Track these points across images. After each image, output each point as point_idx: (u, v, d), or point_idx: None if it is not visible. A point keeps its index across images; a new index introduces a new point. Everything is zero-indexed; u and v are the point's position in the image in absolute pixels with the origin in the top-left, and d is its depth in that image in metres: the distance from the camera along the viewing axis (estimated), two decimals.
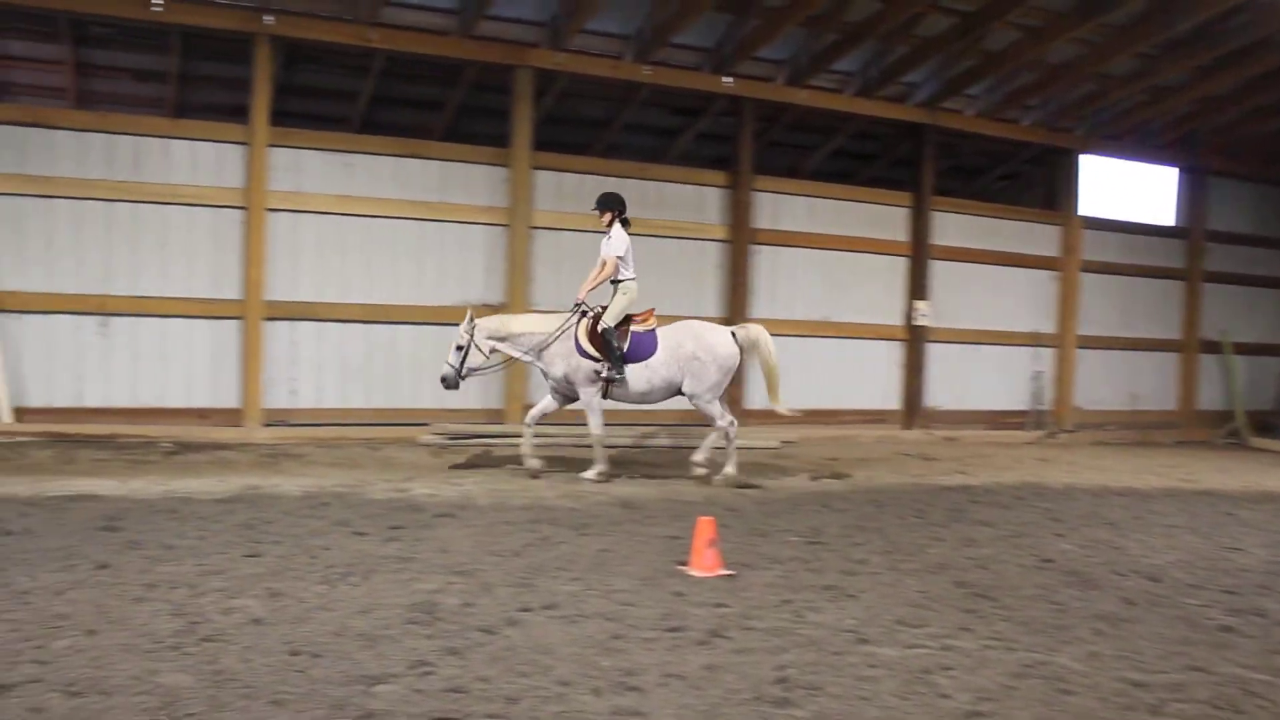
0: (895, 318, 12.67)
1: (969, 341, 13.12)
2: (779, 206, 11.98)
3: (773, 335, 11.42)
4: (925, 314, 12.60)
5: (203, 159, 9.90)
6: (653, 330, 8.17)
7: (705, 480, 8.21)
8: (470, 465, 8.94)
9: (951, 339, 12.94)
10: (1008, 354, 13.39)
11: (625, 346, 8.01)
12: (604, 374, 7.97)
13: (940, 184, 12.97)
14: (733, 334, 8.37)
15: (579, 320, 8.10)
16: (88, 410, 9.60)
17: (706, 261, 11.69)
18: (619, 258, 8.03)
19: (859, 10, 10.59)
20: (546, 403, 8.43)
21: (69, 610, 4.09)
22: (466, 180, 10.63)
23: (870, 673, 3.79)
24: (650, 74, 10.95)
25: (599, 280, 8.16)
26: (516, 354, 8.30)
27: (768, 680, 3.66)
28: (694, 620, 4.33)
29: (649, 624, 4.25)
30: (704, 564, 5.16)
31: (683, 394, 8.25)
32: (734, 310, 11.53)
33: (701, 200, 11.64)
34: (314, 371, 10.25)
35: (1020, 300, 13.45)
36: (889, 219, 12.57)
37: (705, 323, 8.72)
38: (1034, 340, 13.52)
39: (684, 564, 5.29)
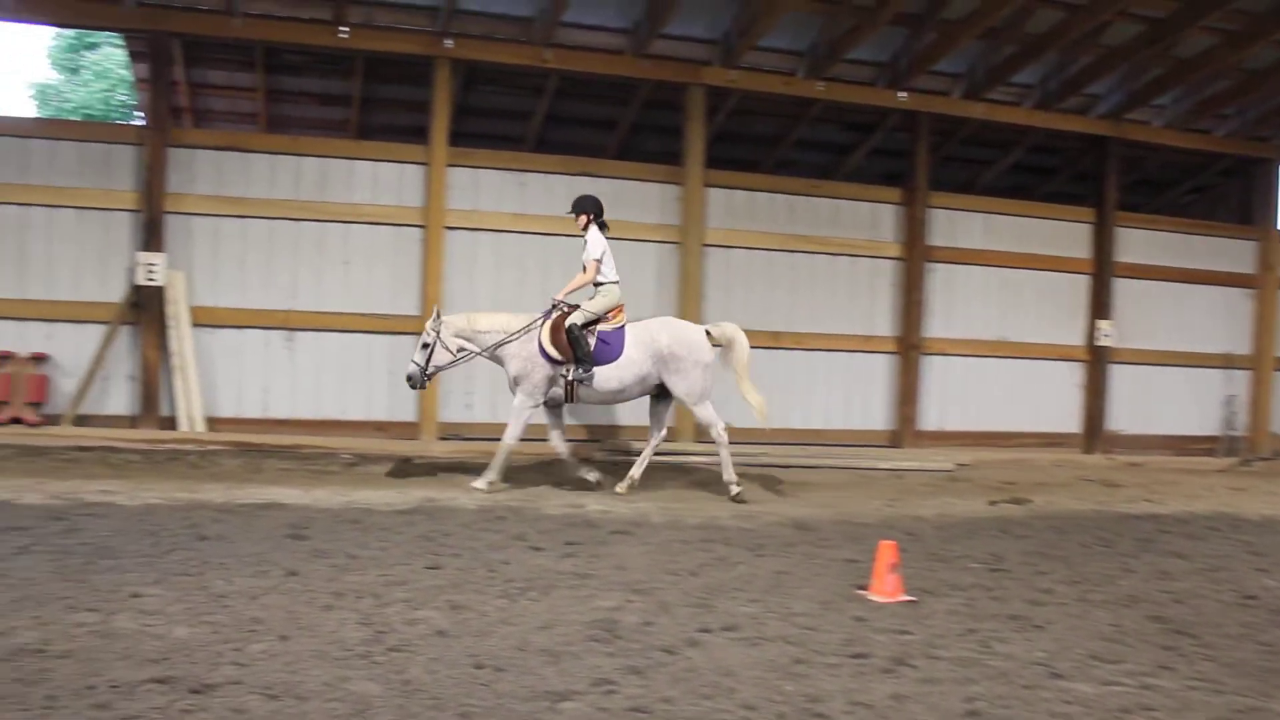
0: (1076, 337, 12.29)
1: (1155, 363, 12.63)
2: (955, 223, 11.81)
3: (948, 355, 11.42)
4: (1108, 334, 12.20)
5: (384, 179, 10.34)
6: (620, 328, 8.10)
7: (739, 498, 8.10)
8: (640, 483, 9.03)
9: (1136, 360, 12.49)
10: (1197, 376, 12.83)
11: (592, 345, 7.93)
12: (569, 376, 7.92)
13: (1125, 198, 12.59)
14: (707, 332, 8.29)
15: (544, 322, 8.06)
16: (274, 421, 10.09)
17: (880, 280, 11.58)
18: (597, 260, 8.03)
19: (1041, 21, 10.42)
20: (550, 419, 8.44)
21: (263, 615, 4.24)
22: (639, 198, 10.80)
23: (1066, 709, 3.61)
24: (823, 90, 10.98)
25: (580, 285, 8.16)
26: (480, 353, 8.24)
27: (958, 713, 3.52)
28: (877, 647, 4.22)
29: (831, 649, 4.16)
30: (885, 589, 5.06)
31: (667, 393, 8.18)
32: (908, 329, 11.41)
33: (875, 217, 11.56)
34: (488, 387, 10.49)
35: (1212, 319, 12.89)
36: (1070, 235, 12.24)
37: (677, 319, 8.69)
38: (1227, 362, 12.92)
39: (864, 588, 5.20)
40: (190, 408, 9.93)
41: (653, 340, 8.04)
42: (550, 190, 10.63)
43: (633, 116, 11.74)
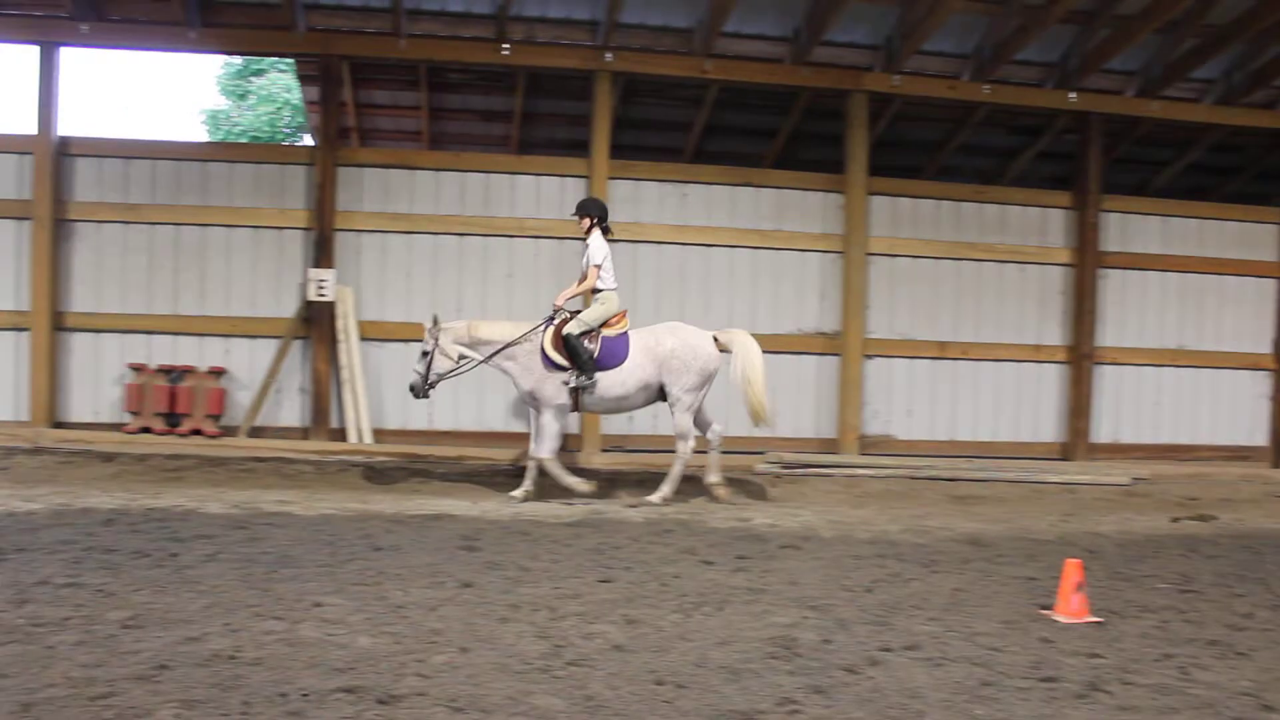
0: (1263, 345, 11.77)
1: None
2: (1128, 227, 11.47)
3: (1122, 365, 11.07)
4: None
5: (546, 193, 10.55)
6: (624, 334, 8.10)
7: (728, 499, 8.24)
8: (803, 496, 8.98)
9: None
10: None
11: (595, 351, 7.94)
12: (572, 383, 7.93)
13: None
14: (714, 338, 8.22)
15: (546, 328, 8.07)
16: (438, 433, 10.34)
17: (1050, 287, 11.31)
18: (597, 266, 8.04)
19: (1224, 11, 10.10)
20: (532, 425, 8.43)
21: (441, 626, 4.30)
22: (800, 207, 10.79)
23: None
24: (990, 93, 10.82)
25: (579, 291, 8.21)
26: (482, 360, 8.29)
27: None
28: (1068, 671, 4.05)
29: (1019, 672, 4.02)
30: (1070, 609, 4.88)
31: (664, 399, 8.16)
32: (1079, 337, 11.11)
33: (1044, 222, 11.30)
34: None
35: None
36: (1256, 238, 11.74)
37: (688, 325, 8.57)
38: None
39: (1047, 608, 5.03)
40: (359, 420, 10.25)
41: (657, 344, 8.07)
42: (711, 201, 10.72)
43: (792, 125, 11.76)
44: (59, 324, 10.21)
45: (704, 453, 8.59)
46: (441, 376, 8.34)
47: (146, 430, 10.17)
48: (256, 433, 10.19)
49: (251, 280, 10.34)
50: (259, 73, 22.52)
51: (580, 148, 10.75)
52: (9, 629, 4.12)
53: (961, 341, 10.97)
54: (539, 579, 5.21)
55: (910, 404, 10.91)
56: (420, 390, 8.30)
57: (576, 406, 8.16)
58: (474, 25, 10.36)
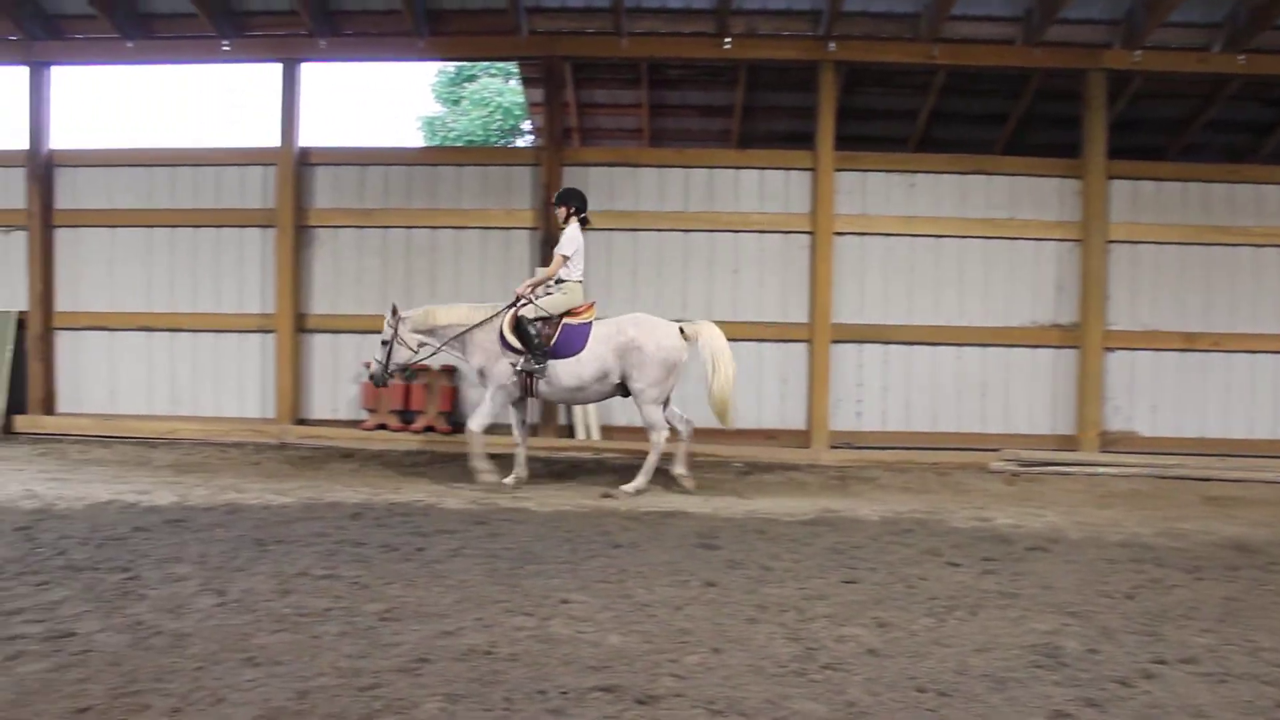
0: None
1: None
2: None
3: None
4: None
5: (771, 187, 10.72)
6: (588, 323, 8.06)
7: (694, 489, 8.18)
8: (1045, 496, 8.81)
9: None
10: None
11: (554, 339, 7.97)
12: (519, 367, 7.98)
13: None
14: (680, 329, 8.09)
15: (506, 312, 8.11)
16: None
17: None
18: (565, 256, 8.08)
19: None
20: (515, 416, 8.53)
21: (690, 626, 4.36)
22: (1034, 194, 10.65)
23: None
24: (1244, 64, 10.45)
25: (545, 278, 8.22)
26: (440, 346, 8.39)
27: None
28: None
29: None
30: None
31: (627, 393, 8.15)
32: None
33: None
34: (879, 394, 10.62)
35: None
36: None
37: (653, 316, 8.37)
38: None
39: None
40: (587, 417, 10.63)
41: (618, 333, 8.01)
42: (940, 191, 10.69)
43: (1022, 109, 11.63)
44: (301, 326, 10.96)
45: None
46: (401, 365, 8.54)
47: (382, 427, 10.79)
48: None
49: (480, 280, 10.86)
50: (471, 78, 23.71)
51: (801, 140, 10.89)
52: (278, 618, 4.42)
53: (1213, 333, 10.62)
54: (783, 579, 5.26)
55: (1155, 399, 10.63)
56: (381, 379, 8.51)
57: (533, 393, 8.24)
58: (694, 21, 10.62)
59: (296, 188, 10.90)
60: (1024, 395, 10.59)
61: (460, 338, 8.32)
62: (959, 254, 10.68)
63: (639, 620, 4.43)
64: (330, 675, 3.69)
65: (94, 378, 11.37)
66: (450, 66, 23.66)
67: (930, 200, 10.66)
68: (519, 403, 8.41)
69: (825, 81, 10.53)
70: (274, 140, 10.98)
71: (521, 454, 8.48)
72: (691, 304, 10.62)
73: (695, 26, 10.64)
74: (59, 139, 11.54)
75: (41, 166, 11.35)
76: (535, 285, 8.26)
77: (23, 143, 11.44)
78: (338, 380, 11.01)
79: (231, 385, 11.13)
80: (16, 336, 11.31)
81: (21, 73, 11.48)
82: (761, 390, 10.65)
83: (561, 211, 8.35)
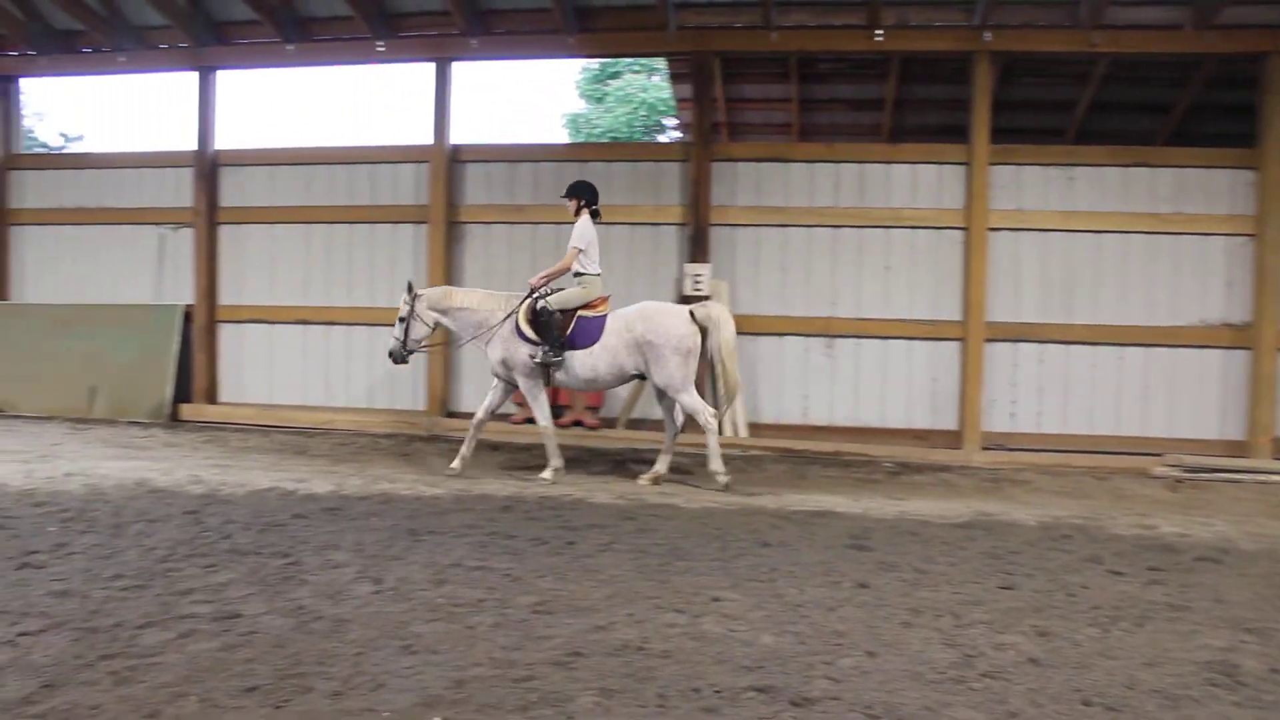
0: None
1: None
2: None
3: None
4: None
5: (923, 181, 10.74)
6: (602, 316, 8.26)
7: (727, 488, 8.09)
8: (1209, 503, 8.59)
9: None
10: None
11: (569, 330, 8.17)
12: (538, 358, 8.18)
13: None
14: (690, 313, 8.17)
15: (522, 304, 8.31)
16: (813, 427, 10.73)
17: None
18: (579, 250, 8.20)
19: None
20: (493, 398, 8.73)
21: (843, 628, 4.33)
22: (1203, 187, 10.40)
23: None
24: None
25: (557, 271, 8.37)
26: (455, 329, 8.66)
27: None
28: None
29: None
30: None
31: (643, 379, 8.39)
32: None
33: None
34: (1034, 395, 10.56)
35: None
36: None
37: (661, 302, 8.55)
38: None
39: None
40: (734, 413, 10.82)
41: (628, 328, 8.15)
42: (1101, 185, 10.55)
43: (1190, 98, 11.39)
44: None
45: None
46: (419, 342, 8.78)
47: (530, 421, 11.15)
48: (634, 425, 10.96)
49: (629, 275, 11.12)
50: (615, 75, 24.30)
51: (954, 133, 10.87)
52: (433, 607, 4.52)
53: None
54: (937, 582, 5.20)
55: None
56: (399, 356, 8.73)
57: (549, 382, 8.47)
58: (845, 13, 10.68)
59: (448, 184, 11.35)
60: (1189, 398, 10.40)
61: (478, 325, 8.61)
62: (1121, 250, 10.53)
63: (792, 620, 4.43)
64: (485, 666, 3.77)
65: (254, 369, 12.05)
66: (594, 63, 24.16)
67: (1090, 195, 10.53)
68: (507, 391, 8.73)
69: (980, 73, 10.50)
70: (426, 138, 11.44)
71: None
72: (840, 301, 10.73)
73: (845, 19, 10.71)
74: (224, 140, 12.23)
75: (208, 167, 12.07)
76: (548, 277, 8.47)
77: (190, 144, 12.15)
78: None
79: (384, 378, 11.66)
80: (183, 329, 12.04)
81: (190, 78, 12.19)
82: (912, 389, 10.70)
83: (572, 204, 8.47)
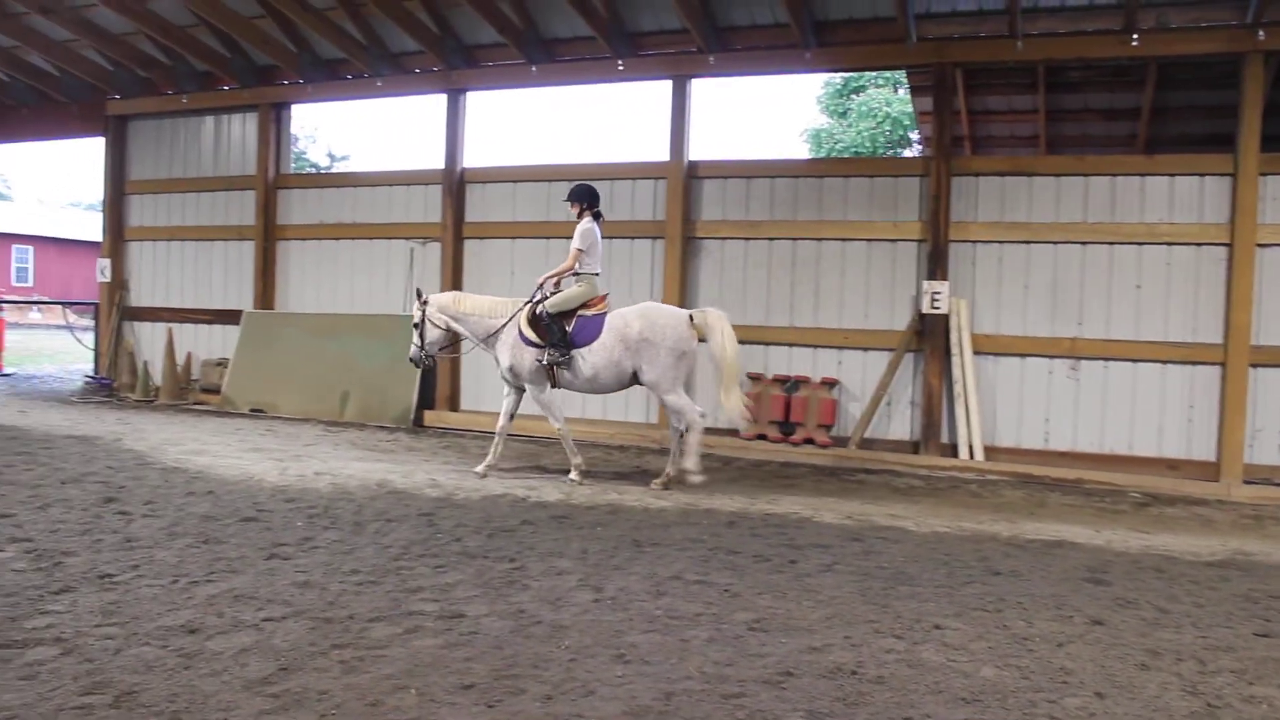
0: None
1: None
2: None
3: None
4: None
5: (1181, 194, 10.54)
6: (601, 315, 8.81)
7: (700, 485, 8.62)
8: None
9: None
10: None
11: (570, 329, 8.72)
12: (543, 360, 8.75)
13: None
14: (690, 316, 8.73)
15: (524, 308, 8.91)
16: (1054, 453, 10.74)
17: None
18: (580, 250, 8.84)
19: None
20: (509, 403, 9.28)
21: (1072, 666, 4.32)
22: None
23: None
24: None
25: (560, 273, 9.05)
26: (466, 334, 9.32)
27: None
28: None
29: None
30: None
31: (641, 383, 8.84)
32: None
33: None
34: None
35: None
36: None
37: (661, 304, 9.19)
38: None
39: None
40: (970, 436, 11.03)
41: (625, 327, 8.65)
42: None
43: None
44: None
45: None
46: (435, 346, 9.50)
47: (762, 437, 11.74)
48: (866, 444, 11.33)
49: (865, 293, 11.52)
50: (858, 89, 24.84)
51: (1219, 142, 10.68)
52: (649, 618, 4.81)
53: None
54: (1180, 624, 5.09)
55: None
56: (420, 361, 9.44)
57: (555, 383, 8.97)
58: (1097, 18, 10.63)
59: (685, 200, 12.05)
60: None
61: (488, 330, 9.24)
62: None
63: (1016, 654, 4.45)
64: (696, 680, 3.97)
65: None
66: (837, 78, 24.70)
67: None
68: (518, 395, 9.25)
69: (1251, 75, 10.21)
70: (664, 155, 12.19)
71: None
72: (1088, 321, 10.73)
73: (1098, 24, 10.66)
74: (470, 158, 13.40)
75: (455, 184, 13.26)
76: (551, 279, 9.12)
77: (439, 163, 13.39)
78: (714, 388, 12.06)
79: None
80: None
81: (440, 99, 13.44)
82: (1164, 416, 10.57)
83: (575, 208, 9.12)
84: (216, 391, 14.48)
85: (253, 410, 13.71)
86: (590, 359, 8.80)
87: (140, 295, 15.94)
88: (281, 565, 5.85)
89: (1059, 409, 10.78)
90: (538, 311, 8.89)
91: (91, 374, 16.92)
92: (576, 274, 9.03)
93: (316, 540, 6.52)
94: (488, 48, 12.84)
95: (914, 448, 11.05)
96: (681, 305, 11.60)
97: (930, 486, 10.02)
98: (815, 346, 11.53)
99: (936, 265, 10.95)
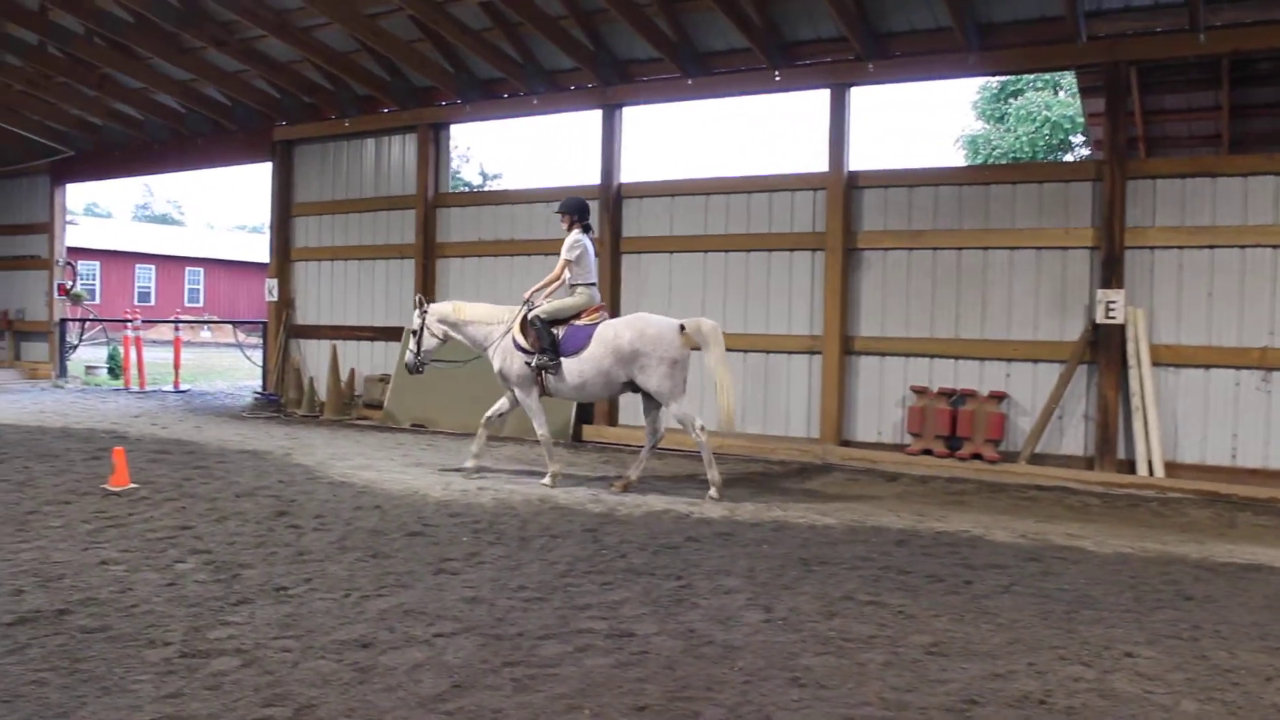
0: None
1: None
2: None
3: None
4: None
5: None
6: (591, 325, 9.30)
7: (718, 498, 9.00)
8: None
9: None
10: None
11: (560, 336, 9.26)
12: (533, 365, 9.31)
13: None
14: (681, 326, 9.08)
15: (518, 316, 9.51)
16: (1243, 470, 10.37)
17: None
18: (569, 261, 9.42)
19: None
20: (502, 403, 9.89)
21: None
22: None
23: None
24: None
25: (548, 282, 9.66)
26: (463, 342, 10.03)
27: None
28: None
29: None
30: None
31: (638, 391, 9.34)
32: None
33: None
34: None
35: None
36: None
37: (651, 315, 9.45)
38: None
39: None
40: (1150, 451, 10.80)
41: (615, 337, 9.09)
42: None
43: None
44: (848, 348, 12.22)
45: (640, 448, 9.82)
46: (431, 353, 10.15)
47: (927, 452, 11.75)
48: (1037, 460, 11.22)
49: (1034, 303, 11.41)
50: (1016, 93, 24.55)
51: None
52: (823, 640, 4.82)
53: None
54: None
55: None
56: (414, 367, 10.12)
57: (545, 391, 9.51)
58: None
59: (846, 211, 12.15)
60: None
61: (484, 338, 9.91)
62: None
63: (1219, 687, 4.31)
64: (875, 706, 3.94)
65: None
66: (993, 82, 24.37)
67: None
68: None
69: None
70: (822, 165, 12.35)
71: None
72: None
73: None
74: (626, 173, 13.82)
75: (612, 199, 13.68)
76: (541, 289, 9.69)
77: (594, 178, 13.84)
78: (883, 403, 12.15)
79: (779, 404, 12.67)
80: None
81: (595, 115, 13.91)
82: None
83: (565, 222, 9.70)
84: (379, 407, 15.23)
85: (414, 425, 14.37)
86: (578, 367, 9.26)
87: (306, 313, 16.88)
88: (449, 580, 6.10)
89: (1248, 423, 10.49)
90: (528, 318, 9.44)
91: (260, 390, 17.98)
92: (571, 285, 9.58)
93: (483, 555, 6.80)
94: (642, 63, 13.22)
95: (1088, 463, 10.91)
96: (843, 317, 11.79)
97: (1107, 504, 9.84)
98: (982, 359, 11.47)
99: (1111, 273, 10.80)
